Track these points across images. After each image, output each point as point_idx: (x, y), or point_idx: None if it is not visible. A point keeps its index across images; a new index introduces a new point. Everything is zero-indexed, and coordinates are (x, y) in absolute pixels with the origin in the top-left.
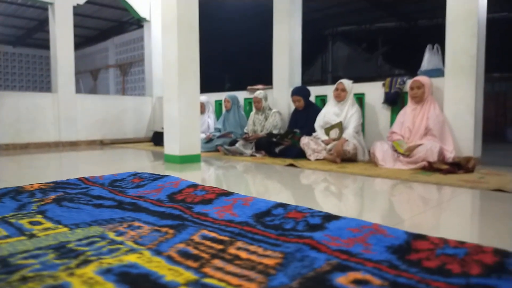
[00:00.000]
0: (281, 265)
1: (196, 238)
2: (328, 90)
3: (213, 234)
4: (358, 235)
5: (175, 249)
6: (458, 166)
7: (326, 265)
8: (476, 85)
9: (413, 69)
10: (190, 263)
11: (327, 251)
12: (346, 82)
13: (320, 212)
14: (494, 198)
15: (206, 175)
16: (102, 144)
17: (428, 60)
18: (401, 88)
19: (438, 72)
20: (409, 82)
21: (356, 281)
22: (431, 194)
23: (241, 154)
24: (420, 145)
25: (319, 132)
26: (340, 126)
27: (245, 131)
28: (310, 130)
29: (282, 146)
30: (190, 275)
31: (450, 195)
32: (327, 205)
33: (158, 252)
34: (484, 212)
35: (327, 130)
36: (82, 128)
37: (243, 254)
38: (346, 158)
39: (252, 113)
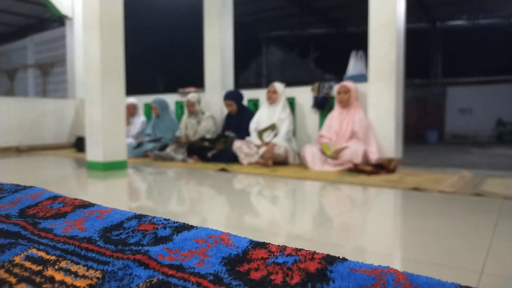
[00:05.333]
0: (93, 287)
1: (18, 259)
2: (260, 93)
3: (40, 253)
4: (201, 246)
5: None
6: (381, 167)
7: (145, 284)
8: (397, 90)
9: (342, 74)
10: None
11: (156, 267)
12: (277, 85)
13: (175, 222)
14: (411, 196)
15: (133, 182)
16: (18, 151)
17: (353, 66)
18: (328, 93)
19: (362, 78)
20: (336, 87)
21: None
22: (356, 194)
23: (172, 159)
24: (346, 147)
25: (253, 136)
26: (273, 127)
27: (177, 135)
28: (243, 134)
29: (214, 150)
30: None
31: (373, 194)
32: (260, 210)
33: None
34: (402, 209)
35: (261, 133)
36: None
37: (59, 276)
38: (278, 162)
39: (185, 117)
